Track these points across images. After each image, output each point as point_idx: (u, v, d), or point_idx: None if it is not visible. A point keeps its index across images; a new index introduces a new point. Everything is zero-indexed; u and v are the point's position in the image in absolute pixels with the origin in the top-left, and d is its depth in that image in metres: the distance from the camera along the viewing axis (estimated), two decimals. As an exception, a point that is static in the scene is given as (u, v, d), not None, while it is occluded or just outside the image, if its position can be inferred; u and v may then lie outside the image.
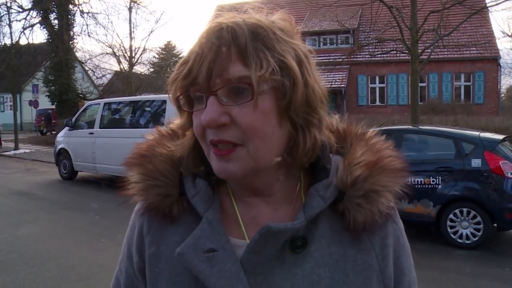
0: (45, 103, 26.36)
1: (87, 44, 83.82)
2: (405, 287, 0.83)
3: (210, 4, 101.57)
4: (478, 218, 5.98)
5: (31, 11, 24.63)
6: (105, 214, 7.80)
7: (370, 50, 14.27)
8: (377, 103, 25.34)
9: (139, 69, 29.88)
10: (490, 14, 19.12)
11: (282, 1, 30.58)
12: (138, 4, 26.21)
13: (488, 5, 12.79)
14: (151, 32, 37.67)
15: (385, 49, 13.36)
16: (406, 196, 0.79)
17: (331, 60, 17.65)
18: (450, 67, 23.16)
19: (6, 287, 4.86)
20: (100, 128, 11.22)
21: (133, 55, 26.39)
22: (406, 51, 11.46)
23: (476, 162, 6.02)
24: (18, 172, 14.15)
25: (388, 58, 17.53)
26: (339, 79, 24.36)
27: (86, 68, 28.98)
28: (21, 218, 7.88)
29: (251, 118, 0.68)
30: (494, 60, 22.40)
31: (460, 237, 6.08)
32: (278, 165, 0.74)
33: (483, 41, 18.48)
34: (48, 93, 25.29)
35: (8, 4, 23.56)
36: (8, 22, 23.39)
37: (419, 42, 11.13)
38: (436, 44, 11.36)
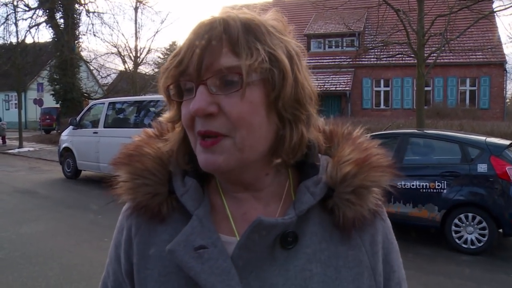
0: (49, 101, 26.47)
1: (93, 43, 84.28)
2: (395, 284, 0.84)
3: (216, 5, 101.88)
4: (484, 224, 5.94)
5: (37, 10, 24.79)
6: (108, 214, 7.78)
7: (376, 53, 14.22)
8: (382, 106, 25.29)
9: (144, 69, 30.00)
10: (497, 19, 19.09)
11: (288, 3, 30.76)
12: (144, 4, 26.31)
13: (495, 9, 12.74)
14: (157, 32, 37.91)
15: (391, 53, 13.33)
16: (394, 193, 0.80)
17: (336, 63, 17.67)
18: (455, 71, 23.10)
19: (9, 285, 4.86)
20: (104, 127, 11.23)
21: (138, 55, 26.49)
22: (412, 55, 11.42)
23: (482, 167, 5.98)
24: (22, 170, 14.19)
25: (394, 61, 17.49)
26: (344, 82, 24.34)
27: (91, 68, 29.11)
28: (24, 216, 7.89)
29: (239, 107, 0.68)
30: (500, 65, 22.32)
31: (465, 242, 6.03)
32: (265, 159, 0.74)
33: (490, 46, 18.43)
34: (53, 92, 25.40)
35: (15, 3, 23.72)
36: (14, 21, 23.56)
37: (425, 46, 11.09)
38: (443, 48, 11.32)
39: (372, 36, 14.76)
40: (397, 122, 15.97)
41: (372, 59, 18.39)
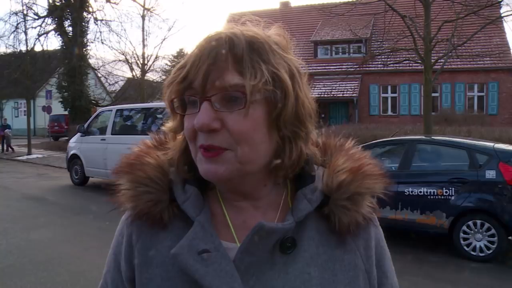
0: (58, 109, 26.66)
1: (100, 51, 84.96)
2: None
3: (223, 12, 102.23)
4: (493, 231, 5.89)
5: (46, 19, 25.09)
6: (115, 220, 7.67)
7: (383, 59, 14.19)
8: (389, 112, 25.21)
9: (151, 76, 30.21)
10: (505, 24, 19.01)
11: (295, 10, 30.89)
12: (151, 12, 26.49)
13: (503, 15, 12.69)
14: (164, 39, 37.74)
15: (398, 59, 13.30)
16: (387, 200, 0.83)
17: (343, 69, 17.64)
18: (463, 77, 22.99)
19: (17, 291, 4.89)
20: (112, 134, 11.29)
21: (146, 62, 26.64)
22: (419, 61, 11.40)
23: (490, 174, 5.94)
24: (31, 177, 14.30)
25: (401, 67, 17.46)
26: (351, 89, 24.30)
27: (99, 75, 29.31)
28: (33, 222, 7.94)
29: (242, 125, 0.71)
30: (508, 70, 22.17)
31: (474, 249, 5.98)
32: (264, 171, 0.78)
33: (498, 51, 18.31)
34: (61, 99, 25.59)
35: (25, 12, 24.01)
36: (24, 29, 23.85)
37: (433, 51, 11.06)
38: (450, 54, 11.28)
39: (378, 43, 14.74)
40: (404, 129, 15.90)
41: (379, 66, 18.36)
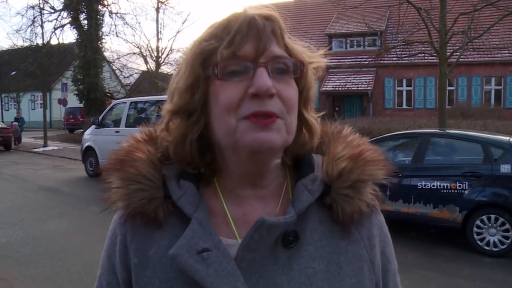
0: (73, 101, 26.95)
1: (115, 44, 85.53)
2: (392, 275, 0.86)
3: (237, 5, 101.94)
4: (507, 225, 5.82)
5: (62, 12, 25.31)
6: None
7: (398, 52, 14.05)
8: (404, 106, 24.98)
9: (165, 69, 30.22)
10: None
11: (310, 3, 30.65)
12: (165, 4, 26.56)
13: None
14: (178, 32, 38.17)
15: (413, 52, 13.15)
16: (389, 186, 0.81)
17: (358, 62, 17.51)
18: (480, 70, 22.66)
19: (33, 279, 4.99)
20: (126, 126, 11.39)
21: (160, 55, 26.76)
22: (434, 54, 11.26)
23: (505, 168, 5.86)
24: (47, 168, 14.51)
25: (416, 60, 17.26)
26: (366, 82, 24.12)
27: (114, 68, 29.51)
28: (48, 213, 8.07)
29: (292, 93, 0.73)
30: (527, 63, 21.77)
31: (487, 244, 5.92)
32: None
33: (516, 44, 17.98)
34: (76, 92, 25.87)
35: (41, 6, 24.27)
36: (40, 23, 24.12)
37: (448, 44, 10.91)
38: (466, 46, 11.12)
39: (393, 35, 14.59)
40: (418, 122, 15.75)
41: (393, 59, 18.18)
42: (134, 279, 0.78)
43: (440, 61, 10.73)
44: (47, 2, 25.17)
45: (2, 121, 25.01)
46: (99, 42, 25.67)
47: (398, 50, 13.93)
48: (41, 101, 28.66)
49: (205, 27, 0.78)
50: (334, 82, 24.31)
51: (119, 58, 27.80)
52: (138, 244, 0.78)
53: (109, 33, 29.29)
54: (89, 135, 12.64)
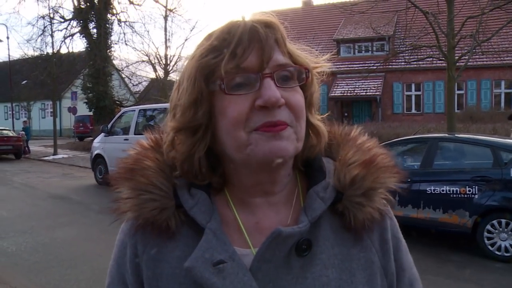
0: (83, 109, 27.18)
1: (124, 52, 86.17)
2: (405, 285, 0.83)
3: (245, 12, 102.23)
4: (518, 230, 5.75)
5: (72, 21, 25.60)
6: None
7: (406, 57, 14.00)
8: (413, 111, 24.86)
9: (174, 76, 30.38)
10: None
11: (317, 8, 30.71)
12: (173, 12, 26.75)
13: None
14: (186, 40, 38.11)
15: (421, 56, 13.10)
16: (398, 191, 0.81)
17: (366, 67, 17.48)
18: (489, 74, 22.50)
19: (42, 287, 5.02)
20: (135, 134, 11.44)
21: (168, 62, 26.90)
22: (443, 58, 11.20)
23: (515, 172, 5.80)
24: (56, 176, 14.61)
25: (424, 65, 17.19)
26: (374, 87, 24.06)
27: (123, 76, 29.74)
28: (58, 221, 8.12)
29: (299, 100, 0.73)
30: (537, 66, 21.58)
31: (498, 249, 5.85)
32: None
33: (525, 47, 17.86)
34: (86, 100, 26.08)
35: (51, 15, 24.58)
36: (50, 32, 24.40)
37: (456, 48, 10.85)
38: (474, 50, 11.05)
39: (401, 40, 14.56)
40: (427, 127, 15.65)
41: (402, 63, 18.12)
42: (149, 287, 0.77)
43: (448, 65, 10.67)
44: (57, 12, 25.50)
45: (13, 130, 25.25)
46: (108, 51, 25.91)
47: (406, 54, 13.88)
48: (51, 110, 28.91)
49: (202, 38, 0.76)
50: (343, 88, 24.26)
51: (128, 66, 28.07)
52: (150, 255, 0.77)
53: (118, 41, 29.60)
54: (99, 143, 12.72)
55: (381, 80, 24.07)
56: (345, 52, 25.79)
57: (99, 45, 24.51)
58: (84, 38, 25.66)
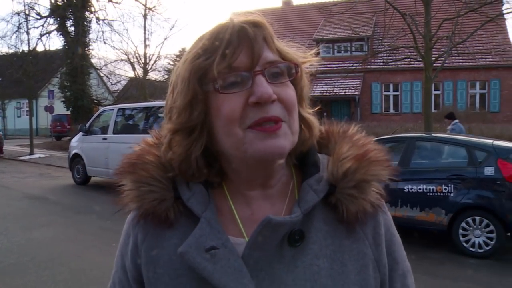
0: (60, 108, 26.75)
1: (102, 50, 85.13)
2: (399, 275, 0.86)
3: (224, 11, 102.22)
4: (491, 227, 5.90)
5: (48, 18, 25.15)
6: (116, 219, 7.82)
7: (384, 57, 14.20)
8: (391, 111, 25.18)
9: (153, 75, 30.14)
10: (506, 22, 18.95)
11: (297, 9, 30.85)
12: (153, 11, 26.51)
13: (504, 12, 12.67)
14: (166, 39, 37.90)
15: (399, 57, 13.30)
16: (393, 186, 0.83)
17: (345, 67, 17.65)
18: (465, 75, 22.96)
19: (18, 289, 4.93)
20: (113, 133, 11.32)
21: (148, 61, 26.66)
22: (420, 59, 11.40)
23: (489, 170, 5.94)
24: (32, 176, 14.35)
25: (402, 65, 17.43)
26: (353, 87, 24.29)
27: (101, 75, 29.37)
28: (34, 222, 7.98)
29: (291, 95, 0.76)
30: (510, 68, 22.09)
31: (473, 246, 6.00)
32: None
33: (499, 49, 18.28)
34: (63, 99, 25.66)
35: (27, 12, 24.09)
36: (26, 29, 23.89)
37: (433, 49, 11.05)
38: (450, 51, 11.27)
39: (380, 41, 14.75)
40: (405, 126, 15.89)
41: (380, 64, 18.36)
42: (145, 276, 0.81)
43: (425, 66, 10.87)
44: (33, 9, 25.00)
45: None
46: (86, 49, 25.53)
47: (385, 55, 14.10)
48: (27, 109, 28.36)
49: (194, 41, 0.79)
50: (322, 88, 24.41)
51: (106, 64, 27.66)
52: (149, 243, 0.82)
53: (96, 39, 29.18)
54: (77, 142, 12.54)
55: (359, 80, 24.32)
56: (324, 52, 25.96)
57: (77, 43, 24.14)
58: (61, 36, 25.25)
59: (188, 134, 0.78)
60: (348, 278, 0.77)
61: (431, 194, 6.23)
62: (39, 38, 24.85)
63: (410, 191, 6.32)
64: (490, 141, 6.54)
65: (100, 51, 60.46)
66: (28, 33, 23.83)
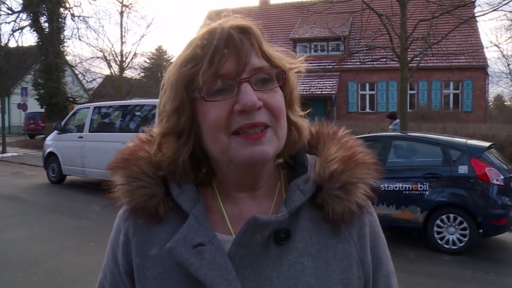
0: (34, 106, 26.19)
1: (78, 47, 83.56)
2: (382, 276, 0.87)
3: (201, 9, 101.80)
4: (465, 224, 6.05)
5: (21, 14, 24.50)
6: (93, 218, 7.75)
7: (360, 57, 14.37)
8: (367, 110, 25.49)
9: (129, 73, 29.81)
10: (478, 24, 19.41)
11: (274, 7, 30.92)
12: (129, 8, 26.21)
13: (476, 14, 12.98)
14: (142, 36, 37.65)
15: (375, 57, 13.48)
16: (378, 190, 0.84)
17: (321, 67, 17.76)
18: (439, 75, 23.40)
19: (-9, 291, 4.82)
20: (89, 132, 11.16)
21: (124, 59, 26.37)
22: (396, 59, 11.58)
23: (463, 169, 6.09)
24: (5, 175, 14.00)
25: (378, 65, 17.67)
26: (330, 86, 24.49)
27: (76, 72, 28.83)
28: (7, 222, 7.80)
29: (278, 100, 0.77)
30: (482, 69, 22.68)
31: (447, 242, 6.13)
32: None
33: (472, 50, 18.71)
34: (37, 97, 25.11)
35: (-2, 6, 23.47)
36: (-3, 25, 23.25)
37: (409, 50, 11.24)
38: (425, 52, 11.49)
39: (356, 40, 14.91)
40: (381, 125, 16.10)
41: (357, 63, 18.58)
42: (135, 270, 0.83)
43: (401, 66, 11.05)
44: (4, 3, 24.35)
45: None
46: (60, 46, 25.00)
47: (361, 55, 14.24)
48: (-1, 106, 27.69)
49: (185, 45, 0.80)
50: (298, 86, 24.41)
51: (81, 62, 27.21)
52: (139, 237, 0.83)
53: (71, 36, 28.60)
54: (52, 141, 12.31)
55: (336, 80, 24.54)
56: (301, 51, 26.06)
57: (51, 40, 23.60)
58: (35, 32, 24.67)
59: (177, 138, 0.79)
60: (331, 277, 0.79)
61: (407, 192, 6.35)
62: (11, 34, 24.16)
63: (387, 189, 6.42)
64: (464, 140, 6.70)
65: (75, 48, 59.28)
66: (-1, 29, 23.24)
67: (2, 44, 22.93)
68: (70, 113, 12.72)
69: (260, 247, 0.77)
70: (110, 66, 26.57)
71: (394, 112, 11.92)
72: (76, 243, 6.45)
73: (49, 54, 23.31)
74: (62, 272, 5.31)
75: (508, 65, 29.94)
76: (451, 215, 6.13)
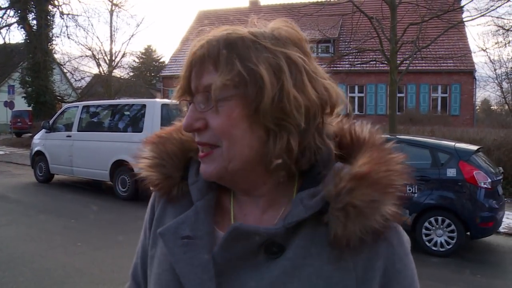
0: (21, 104, 25.91)
1: (66, 46, 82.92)
2: None
3: (192, 9, 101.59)
4: (452, 227, 6.12)
5: (8, 10, 24.23)
6: (81, 218, 7.68)
7: (350, 59, 14.47)
8: (356, 112, 25.61)
9: (118, 72, 29.64)
10: (466, 29, 19.62)
11: (264, 9, 30.92)
12: (119, 7, 26.07)
13: (464, 19, 13.13)
14: (132, 36, 37.50)
15: (365, 59, 13.59)
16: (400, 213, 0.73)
17: (311, 68, 17.83)
18: (427, 78, 23.60)
19: (-23, 291, 4.76)
20: (78, 131, 11.06)
21: (113, 58, 26.22)
22: (385, 62, 11.67)
23: (451, 172, 6.15)
24: (-8, 174, 13.84)
25: (368, 68, 17.81)
26: (319, 88, 24.55)
27: (65, 70, 28.60)
28: (-6, 221, 7.70)
29: (219, 121, 0.73)
30: (469, 73, 22.92)
31: (435, 244, 6.20)
32: (260, 169, 0.75)
33: (460, 54, 18.92)
34: (24, 95, 24.83)
35: (-15, 3, 23.15)
36: (-17, 21, 22.95)
37: (398, 53, 11.35)
38: (414, 55, 11.61)
39: (346, 43, 15.00)
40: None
41: (346, 66, 18.71)
42: (149, 247, 0.87)
43: (390, 69, 11.15)
44: (-9, 0, 24.09)
45: None
46: (49, 44, 24.77)
47: (351, 57, 14.34)
48: (-15, 104, 27.33)
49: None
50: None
51: (70, 60, 27.01)
52: (157, 215, 0.88)
53: (60, 34, 28.37)
54: (39, 140, 12.18)
55: (326, 82, 24.61)
56: (291, 53, 26.12)
57: (39, 38, 23.35)
58: (22, 29, 24.40)
59: None
60: None
61: (396, 194, 6.38)
62: (-2, 31, 23.96)
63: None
64: (452, 143, 6.77)
65: (64, 46, 58.67)
66: (-15, 25, 22.96)
67: (-12, 41, 22.66)
68: (58, 112, 12.59)
69: (249, 255, 0.74)
70: (99, 65, 26.43)
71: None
72: (64, 243, 6.39)
73: (37, 52, 23.07)
74: (50, 272, 5.26)
75: (495, 70, 30.26)
76: (439, 218, 6.19)
